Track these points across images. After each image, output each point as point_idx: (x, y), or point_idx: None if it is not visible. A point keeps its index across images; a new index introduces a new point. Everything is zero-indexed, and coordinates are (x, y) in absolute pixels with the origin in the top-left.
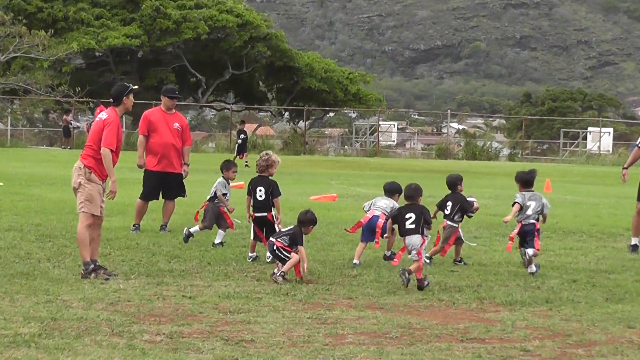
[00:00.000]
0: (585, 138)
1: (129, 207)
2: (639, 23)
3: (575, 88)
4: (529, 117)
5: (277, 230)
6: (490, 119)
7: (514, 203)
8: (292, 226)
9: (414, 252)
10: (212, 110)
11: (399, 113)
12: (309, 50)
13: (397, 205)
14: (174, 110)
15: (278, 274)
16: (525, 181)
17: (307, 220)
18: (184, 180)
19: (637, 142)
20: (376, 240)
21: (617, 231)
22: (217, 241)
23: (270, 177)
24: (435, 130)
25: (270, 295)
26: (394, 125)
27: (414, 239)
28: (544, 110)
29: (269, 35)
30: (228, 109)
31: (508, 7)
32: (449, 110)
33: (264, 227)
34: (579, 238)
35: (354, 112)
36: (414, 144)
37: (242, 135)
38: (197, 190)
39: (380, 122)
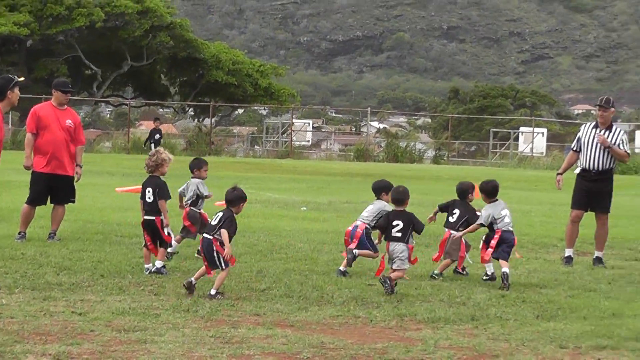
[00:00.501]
0: (516, 139)
1: (14, 213)
2: (576, 14)
3: (507, 84)
4: (457, 115)
5: (168, 234)
6: (414, 117)
7: (480, 223)
8: (221, 212)
9: (398, 261)
10: (109, 106)
11: (314, 110)
12: (216, 40)
13: (387, 207)
14: (65, 106)
15: (214, 293)
16: (489, 192)
17: (236, 198)
18: (75, 184)
19: (573, 146)
20: (351, 249)
21: (549, 241)
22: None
23: (160, 177)
24: (353, 129)
25: (170, 311)
26: (309, 123)
27: (399, 247)
28: (472, 109)
29: (172, 23)
30: (126, 104)
31: None
32: (369, 108)
33: (154, 232)
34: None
35: (265, 109)
36: (330, 144)
37: (157, 135)
38: (90, 194)
39: (294, 120)
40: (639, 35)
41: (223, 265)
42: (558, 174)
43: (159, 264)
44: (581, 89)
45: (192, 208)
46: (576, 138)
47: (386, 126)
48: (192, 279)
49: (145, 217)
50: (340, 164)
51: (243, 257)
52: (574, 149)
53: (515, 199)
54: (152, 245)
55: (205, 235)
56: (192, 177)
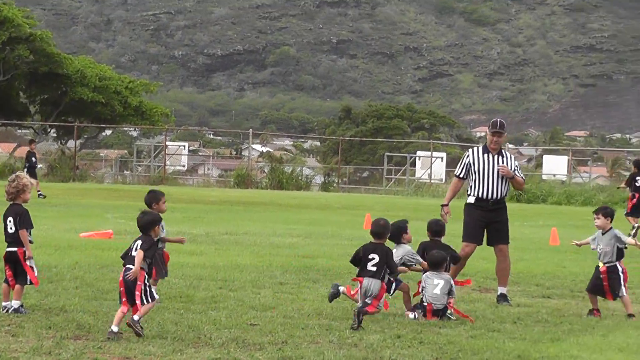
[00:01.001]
0: (413, 164)
1: None
2: (478, 27)
3: (403, 104)
4: (348, 138)
5: (31, 267)
6: (301, 140)
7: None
8: (137, 239)
9: (369, 299)
10: None
11: (190, 132)
12: (81, 54)
13: (411, 250)
14: None
15: (137, 325)
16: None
17: (147, 224)
18: None
19: (459, 173)
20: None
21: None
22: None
23: (21, 205)
24: (234, 153)
25: (30, 354)
26: (184, 146)
27: (373, 284)
28: (365, 130)
29: (31, 35)
30: None
31: (323, 6)
32: (250, 129)
33: (15, 265)
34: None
35: (135, 130)
36: (208, 169)
37: (33, 159)
38: None
39: (168, 143)
40: (546, 51)
41: (149, 299)
42: (443, 205)
43: (15, 303)
44: (484, 110)
45: None
46: (463, 164)
47: (270, 149)
48: (139, 318)
49: (7, 250)
50: (219, 191)
51: (111, 295)
52: (460, 175)
53: (412, 230)
54: (13, 281)
55: (129, 266)
56: None
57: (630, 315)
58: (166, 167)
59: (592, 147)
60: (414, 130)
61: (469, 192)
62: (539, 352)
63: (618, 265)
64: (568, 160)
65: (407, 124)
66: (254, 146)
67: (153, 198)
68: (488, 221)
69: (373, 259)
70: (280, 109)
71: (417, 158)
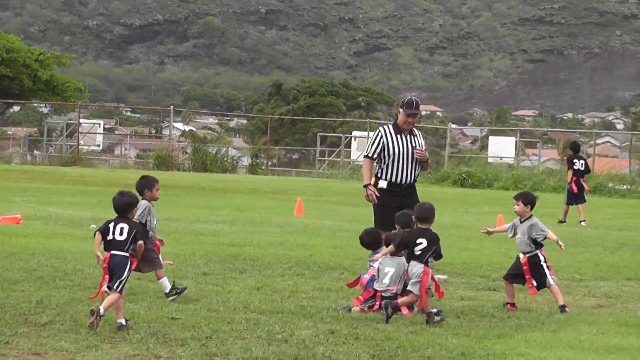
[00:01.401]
0: (348, 145)
1: None
2: None
3: (338, 79)
4: (278, 116)
5: None
6: (227, 118)
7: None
8: (124, 223)
9: (410, 285)
10: None
11: (106, 109)
12: None
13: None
14: None
15: (99, 316)
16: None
17: (125, 206)
18: None
19: (371, 153)
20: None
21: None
22: (167, 290)
23: None
24: (153, 132)
25: None
26: (100, 124)
27: (417, 267)
28: (297, 108)
29: None
30: None
31: None
32: (171, 106)
33: None
34: (339, 276)
35: (46, 106)
36: (125, 149)
37: None
38: None
39: (81, 121)
40: (492, 23)
41: (121, 289)
42: (367, 185)
43: None
44: (425, 87)
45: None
46: (376, 144)
47: (193, 128)
48: (103, 309)
49: None
50: (138, 173)
51: (20, 285)
52: (374, 156)
53: (346, 217)
54: None
55: (115, 252)
56: (142, 199)
57: (563, 307)
58: (80, 146)
59: (542, 128)
60: (349, 109)
61: (379, 176)
62: (485, 349)
63: (539, 254)
64: (516, 141)
65: (342, 101)
66: (175, 125)
67: (146, 184)
68: (400, 207)
69: (421, 243)
70: (203, 85)
71: (353, 138)
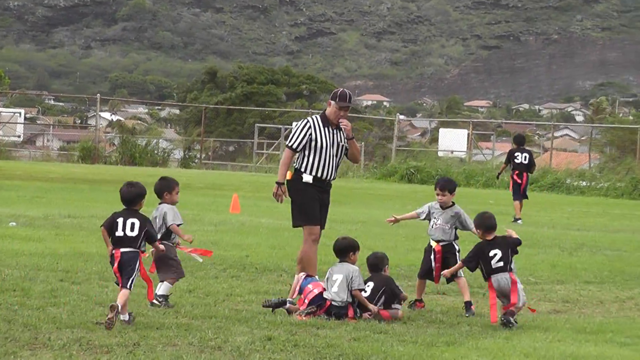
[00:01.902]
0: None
1: None
2: None
3: (278, 66)
4: (213, 106)
5: None
6: (158, 107)
7: None
8: (134, 218)
9: (505, 298)
10: None
11: (27, 97)
12: None
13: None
14: None
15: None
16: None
17: (134, 197)
18: None
19: (294, 144)
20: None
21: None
22: (161, 292)
23: None
24: (78, 122)
25: None
26: (20, 113)
27: (503, 278)
28: (234, 97)
29: None
30: None
31: None
32: (98, 95)
33: None
34: (278, 278)
35: None
36: (48, 140)
37: None
38: None
39: (0, 110)
40: (444, 6)
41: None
42: (280, 183)
43: None
44: (371, 75)
45: (164, 242)
46: (303, 135)
47: (121, 118)
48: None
49: None
50: (61, 166)
51: None
52: (298, 148)
53: (284, 215)
54: None
55: (125, 250)
56: (161, 203)
57: (468, 304)
58: None
59: (496, 120)
60: (290, 98)
61: (302, 170)
62: (433, 358)
63: (455, 244)
64: (468, 134)
65: (282, 90)
66: (102, 114)
67: (165, 186)
68: (322, 202)
69: (496, 254)
70: (133, 71)
71: None
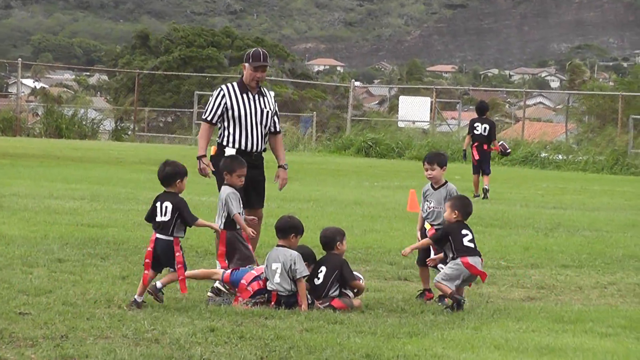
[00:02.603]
0: None
1: None
2: None
3: (219, 27)
4: (147, 72)
5: None
6: (86, 73)
7: None
8: (167, 202)
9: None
10: None
11: None
12: None
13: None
14: None
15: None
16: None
17: (171, 176)
18: None
19: (209, 116)
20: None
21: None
22: (217, 285)
23: None
24: None
25: None
26: None
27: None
28: (170, 62)
29: None
30: None
31: None
32: (19, 59)
33: None
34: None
35: None
36: None
37: None
38: None
39: None
40: None
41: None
42: (201, 156)
43: None
44: (323, 37)
45: (229, 230)
46: (217, 105)
47: (45, 86)
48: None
49: None
50: None
51: None
52: (213, 120)
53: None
54: None
55: (160, 236)
56: (224, 185)
57: (427, 291)
58: None
59: (462, 87)
60: (232, 63)
61: (224, 143)
62: (394, 350)
63: None
64: (431, 102)
65: (223, 54)
66: (24, 81)
67: (230, 166)
68: (251, 178)
69: (467, 235)
70: (58, 33)
71: None
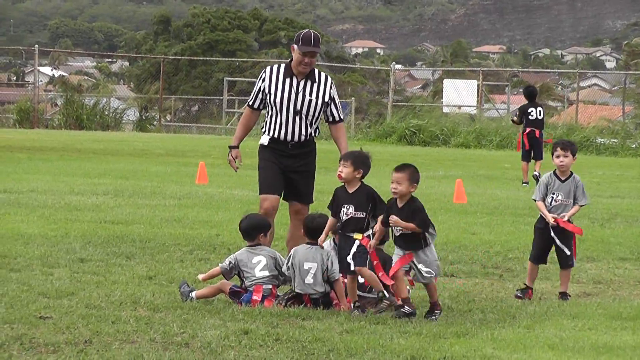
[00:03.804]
0: None
1: None
2: None
3: (248, 9)
4: (172, 57)
5: None
6: (107, 60)
7: None
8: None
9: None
10: None
11: None
12: None
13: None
14: None
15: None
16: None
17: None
18: None
19: (250, 100)
20: None
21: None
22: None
23: None
24: (14, 78)
25: None
26: None
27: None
28: (195, 47)
29: None
30: None
31: None
32: (36, 46)
33: None
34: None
35: None
36: None
37: None
38: None
39: None
40: None
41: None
42: (232, 146)
43: None
44: (361, 17)
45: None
46: (256, 89)
47: (64, 74)
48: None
49: None
50: None
51: None
52: (254, 105)
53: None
54: None
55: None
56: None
57: (564, 295)
58: None
59: (511, 68)
60: (263, 46)
61: (263, 130)
62: (440, 352)
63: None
64: (478, 86)
65: (253, 36)
66: (42, 69)
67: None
68: (286, 169)
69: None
70: (77, 17)
71: None
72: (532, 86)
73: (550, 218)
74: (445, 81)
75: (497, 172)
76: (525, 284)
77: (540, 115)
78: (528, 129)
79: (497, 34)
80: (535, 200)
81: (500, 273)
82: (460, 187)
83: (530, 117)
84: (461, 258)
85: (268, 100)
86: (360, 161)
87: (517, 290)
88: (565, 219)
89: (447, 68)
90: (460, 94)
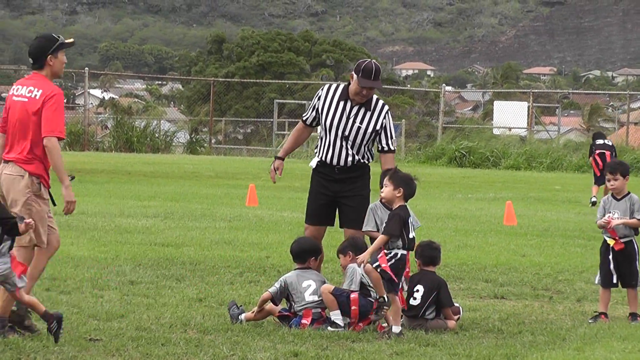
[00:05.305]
0: None
1: None
2: None
3: (299, 31)
4: (222, 79)
5: None
6: (158, 82)
7: None
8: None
9: None
10: None
11: (2, 72)
12: None
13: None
14: None
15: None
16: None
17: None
18: None
19: (305, 114)
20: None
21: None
22: None
23: None
24: (64, 101)
25: None
26: None
27: None
28: (247, 68)
29: None
30: None
31: None
32: (86, 68)
33: None
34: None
35: None
36: None
37: None
38: None
39: None
40: None
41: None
42: (277, 157)
43: None
44: (411, 39)
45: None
46: (311, 105)
47: (114, 96)
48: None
49: None
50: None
51: None
52: (307, 121)
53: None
54: None
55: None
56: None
57: (635, 315)
58: None
59: (561, 90)
60: (314, 68)
61: (315, 151)
62: None
63: (635, 242)
64: (528, 107)
65: (304, 59)
66: (92, 92)
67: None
68: (335, 195)
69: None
70: (127, 40)
71: None
72: (600, 132)
73: (602, 220)
74: (495, 103)
75: (547, 194)
76: (595, 312)
77: (609, 141)
78: (598, 150)
79: (547, 56)
80: (597, 223)
81: (551, 295)
82: (511, 209)
83: (597, 141)
84: (511, 280)
85: (320, 120)
86: (400, 179)
87: (589, 319)
88: (616, 223)
89: (497, 90)
90: (510, 115)
